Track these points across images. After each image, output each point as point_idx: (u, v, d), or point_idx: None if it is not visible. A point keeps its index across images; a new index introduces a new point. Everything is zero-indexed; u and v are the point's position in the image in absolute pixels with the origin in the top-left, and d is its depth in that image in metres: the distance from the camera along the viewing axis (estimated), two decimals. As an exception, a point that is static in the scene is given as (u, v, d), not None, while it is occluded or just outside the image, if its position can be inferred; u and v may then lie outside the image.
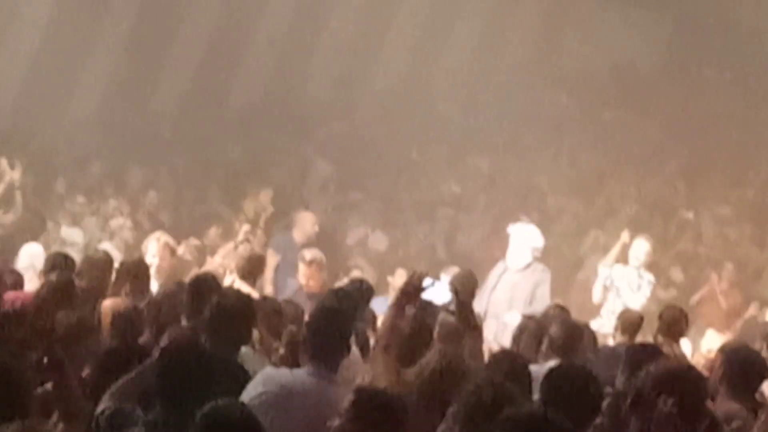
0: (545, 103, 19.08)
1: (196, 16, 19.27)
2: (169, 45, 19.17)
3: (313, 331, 6.54)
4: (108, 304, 8.77)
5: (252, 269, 10.55)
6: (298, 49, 19.35)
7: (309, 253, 11.53)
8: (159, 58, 19.08)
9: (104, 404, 5.77)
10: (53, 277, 8.79)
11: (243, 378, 6.44)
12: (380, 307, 8.88)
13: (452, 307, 7.61)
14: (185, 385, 5.48)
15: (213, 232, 14.85)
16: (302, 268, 11.44)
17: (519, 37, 20.34)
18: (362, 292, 9.07)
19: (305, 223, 13.58)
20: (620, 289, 12.71)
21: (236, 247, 12.55)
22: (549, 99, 19.24)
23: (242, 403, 5.27)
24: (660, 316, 9.60)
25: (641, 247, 12.90)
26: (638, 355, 6.81)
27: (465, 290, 8.50)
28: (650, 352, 7.02)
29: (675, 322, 9.51)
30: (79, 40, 18.07)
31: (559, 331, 8.11)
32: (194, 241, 13.47)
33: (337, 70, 19.66)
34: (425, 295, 7.13)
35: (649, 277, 12.84)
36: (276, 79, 19.37)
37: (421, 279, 6.99)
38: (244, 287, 9.62)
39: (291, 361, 6.94)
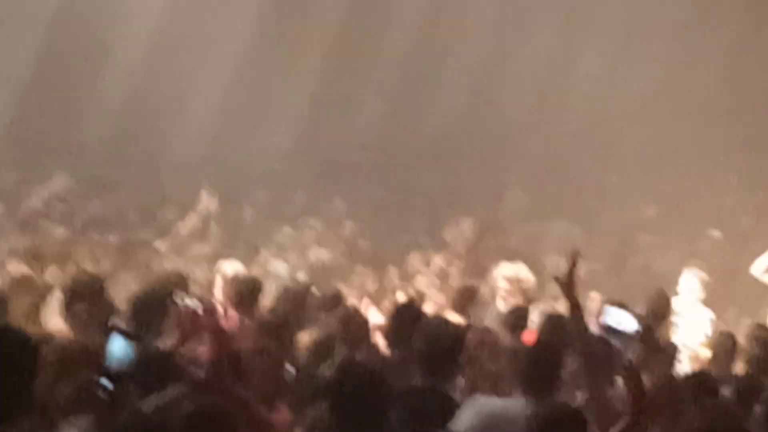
0: (739, 124, 18.80)
1: (392, 48, 19.52)
2: (366, 76, 19.44)
3: (532, 363, 6.54)
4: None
5: (462, 300, 10.50)
6: (494, 77, 19.43)
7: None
8: (356, 89, 19.36)
9: None
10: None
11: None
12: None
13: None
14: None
15: (413, 258, 14.96)
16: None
17: (710, 59, 20.07)
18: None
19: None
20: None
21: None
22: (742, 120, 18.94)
23: None
24: None
25: None
26: None
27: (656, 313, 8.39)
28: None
29: None
30: (276, 73, 18.45)
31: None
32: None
33: (531, 97, 19.66)
34: (611, 322, 7.08)
35: None
36: (472, 106, 19.47)
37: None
38: (455, 318, 9.60)
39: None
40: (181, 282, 9.52)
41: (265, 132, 18.66)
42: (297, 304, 9.62)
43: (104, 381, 4.76)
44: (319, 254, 15.28)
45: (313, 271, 14.57)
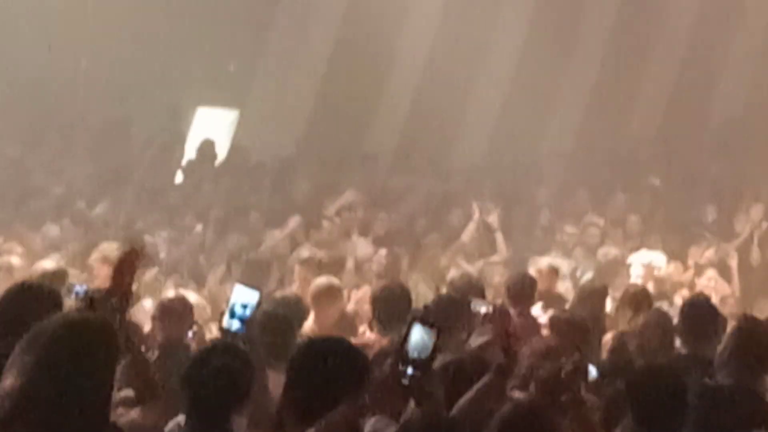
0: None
1: (668, 36, 19.34)
2: (643, 68, 19.30)
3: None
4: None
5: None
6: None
7: None
8: (634, 82, 19.24)
9: None
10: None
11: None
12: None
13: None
14: None
15: (694, 251, 14.80)
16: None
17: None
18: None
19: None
20: None
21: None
22: None
23: None
24: None
25: None
26: None
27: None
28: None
29: None
30: (551, 74, 18.50)
31: None
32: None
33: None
34: None
35: None
36: (762, 87, 19.01)
37: None
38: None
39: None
40: (473, 286, 9.78)
41: (542, 132, 18.77)
42: (595, 303, 9.74)
43: (408, 369, 4.99)
44: (607, 251, 15.19)
45: (600, 269, 14.50)
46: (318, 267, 11.17)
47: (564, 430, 5.39)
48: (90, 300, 5.62)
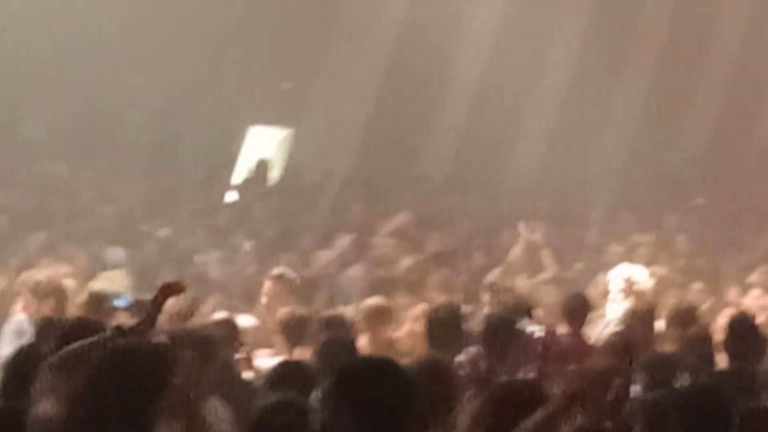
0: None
1: (717, 58, 19.35)
2: (691, 89, 19.32)
3: None
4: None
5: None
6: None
7: None
8: (681, 103, 19.27)
9: None
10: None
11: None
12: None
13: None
14: None
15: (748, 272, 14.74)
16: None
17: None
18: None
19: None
20: None
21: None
22: None
23: None
24: None
25: None
26: None
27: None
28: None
29: None
30: (600, 96, 18.56)
31: None
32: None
33: None
34: None
35: None
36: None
37: None
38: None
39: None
40: (521, 306, 9.84)
41: (594, 151, 18.82)
42: (644, 323, 9.78)
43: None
44: (655, 272, 15.14)
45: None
46: (291, 287, 10.76)
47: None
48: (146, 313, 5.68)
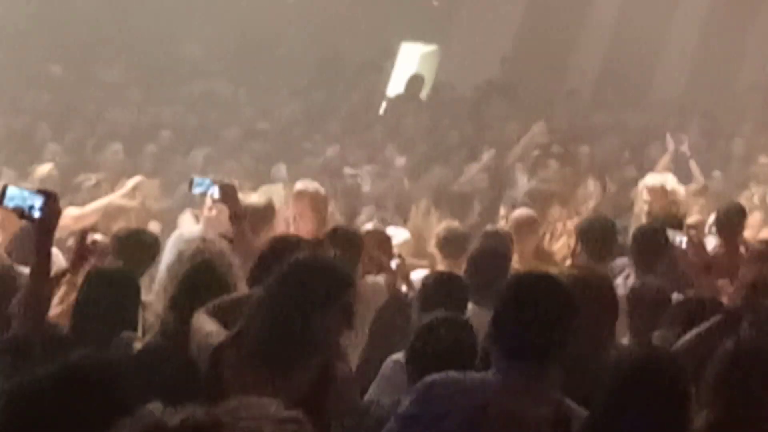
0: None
1: None
2: None
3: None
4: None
5: None
6: None
7: None
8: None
9: None
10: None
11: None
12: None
13: None
14: None
15: None
16: None
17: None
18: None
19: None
20: None
21: None
22: None
23: None
24: None
25: None
26: None
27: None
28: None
29: None
30: (750, 8, 18.39)
31: None
32: None
33: None
34: None
35: None
36: None
37: None
38: None
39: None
40: (672, 217, 9.94)
41: (741, 67, 18.66)
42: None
43: None
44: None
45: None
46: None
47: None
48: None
